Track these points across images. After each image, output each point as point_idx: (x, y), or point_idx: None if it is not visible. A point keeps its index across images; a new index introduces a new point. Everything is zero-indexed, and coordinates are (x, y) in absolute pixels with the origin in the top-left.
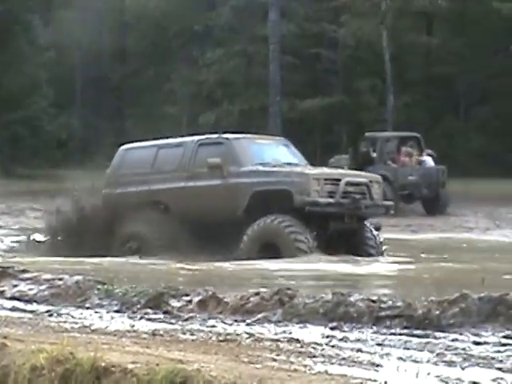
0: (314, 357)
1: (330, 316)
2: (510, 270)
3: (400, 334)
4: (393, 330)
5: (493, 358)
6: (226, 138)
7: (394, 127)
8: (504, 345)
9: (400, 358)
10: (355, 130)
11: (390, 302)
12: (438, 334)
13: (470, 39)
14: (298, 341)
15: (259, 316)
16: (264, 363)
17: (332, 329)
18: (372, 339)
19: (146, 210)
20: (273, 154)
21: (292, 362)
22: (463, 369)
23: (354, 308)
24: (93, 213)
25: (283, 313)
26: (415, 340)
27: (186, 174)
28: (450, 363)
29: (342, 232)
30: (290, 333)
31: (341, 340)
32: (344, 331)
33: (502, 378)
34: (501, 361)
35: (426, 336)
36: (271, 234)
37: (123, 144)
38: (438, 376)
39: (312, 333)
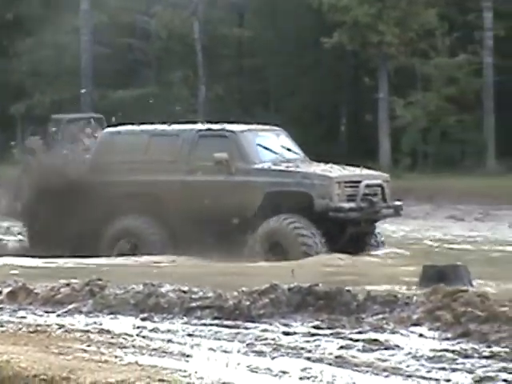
0: (125, 347)
1: (140, 307)
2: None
3: (210, 325)
4: (203, 321)
5: (302, 348)
6: (232, 131)
7: (205, 118)
8: (313, 335)
9: (210, 349)
10: (167, 120)
11: (201, 293)
12: (248, 324)
13: (281, 32)
14: (108, 331)
15: (70, 307)
16: (74, 354)
17: (143, 319)
18: (183, 330)
19: (139, 202)
20: (275, 147)
21: (103, 353)
22: (273, 359)
23: (165, 299)
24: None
25: (94, 303)
26: (226, 330)
27: (186, 166)
28: (260, 353)
29: (355, 235)
30: (101, 324)
31: (151, 331)
32: (155, 322)
33: (310, 368)
34: (310, 351)
35: (237, 326)
36: (279, 234)
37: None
38: (248, 366)
39: (123, 323)
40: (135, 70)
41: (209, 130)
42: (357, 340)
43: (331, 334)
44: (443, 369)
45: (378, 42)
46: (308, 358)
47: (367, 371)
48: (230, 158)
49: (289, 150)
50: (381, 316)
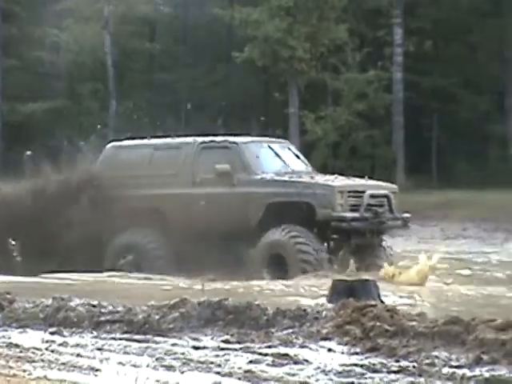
0: (34, 362)
1: (49, 321)
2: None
3: (120, 339)
4: (113, 335)
5: (211, 363)
6: (234, 143)
7: (115, 132)
8: (222, 349)
9: (120, 363)
10: (77, 134)
11: (111, 307)
12: (157, 338)
13: (192, 46)
14: (17, 345)
15: None
16: None
17: (52, 333)
18: (92, 344)
19: (143, 217)
20: (279, 159)
21: (11, 367)
22: (182, 373)
23: (74, 313)
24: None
25: (3, 317)
26: (135, 345)
27: (189, 179)
28: (170, 368)
29: (360, 246)
30: (10, 338)
31: (60, 345)
32: (64, 336)
33: (220, 382)
34: (219, 365)
35: (146, 341)
36: (280, 247)
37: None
38: (157, 380)
39: (32, 338)
40: (45, 83)
41: (211, 141)
42: (266, 354)
43: (241, 348)
44: (352, 383)
45: (288, 56)
46: (218, 373)
47: None
48: (232, 169)
49: (294, 161)
50: (290, 330)
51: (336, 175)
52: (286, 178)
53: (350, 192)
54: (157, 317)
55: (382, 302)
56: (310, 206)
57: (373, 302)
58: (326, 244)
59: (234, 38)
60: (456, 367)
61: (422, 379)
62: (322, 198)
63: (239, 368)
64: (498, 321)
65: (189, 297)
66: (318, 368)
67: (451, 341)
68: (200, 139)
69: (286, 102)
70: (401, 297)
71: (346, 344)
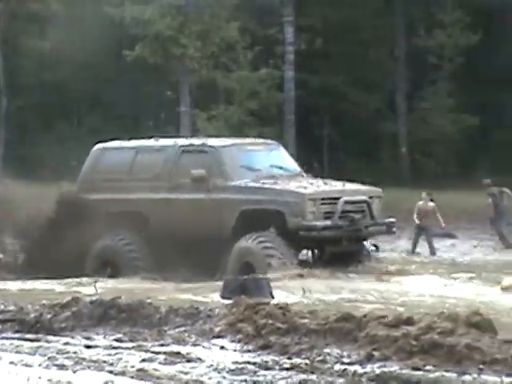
0: None
1: None
2: None
3: (12, 338)
4: (4, 334)
5: (104, 362)
6: (212, 146)
7: (6, 131)
8: (115, 348)
9: (12, 362)
10: None
11: (2, 306)
12: (50, 337)
13: (83, 45)
14: None
15: None
16: None
17: None
18: None
19: (123, 221)
20: (264, 163)
21: None
22: (75, 372)
23: None
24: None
25: None
26: (27, 344)
27: (168, 184)
28: (62, 366)
29: (338, 254)
30: None
31: None
32: None
33: (112, 381)
34: (112, 364)
35: (38, 340)
36: (249, 254)
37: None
38: (49, 380)
39: None
40: None
41: (190, 145)
42: (159, 353)
43: (133, 346)
44: (244, 381)
45: (180, 55)
46: (110, 372)
47: None
48: (208, 174)
49: (279, 164)
50: (183, 328)
51: (320, 179)
52: (259, 184)
53: (323, 199)
54: (49, 316)
55: (273, 298)
56: (281, 214)
57: (265, 300)
58: (309, 251)
59: (125, 36)
60: (348, 364)
61: (313, 376)
62: (292, 205)
63: (132, 367)
64: (389, 317)
65: (81, 296)
66: (211, 366)
67: (343, 338)
68: (181, 142)
69: (177, 101)
70: (293, 294)
71: (238, 342)
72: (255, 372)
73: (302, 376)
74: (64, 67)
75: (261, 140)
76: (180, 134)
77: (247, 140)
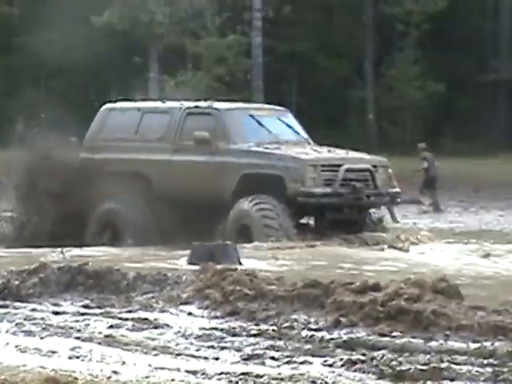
0: None
1: None
2: None
3: None
4: None
5: (71, 328)
6: (216, 109)
7: None
8: (82, 314)
9: None
10: None
11: None
12: (17, 304)
13: (51, 10)
14: None
15: None
16: None
17: None
18: None
19: (125, 182)
20: (270, 128)
21: None
22: (42, 338)
23: None
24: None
25: None
26: None
27: (172, 145)
28: (29, 333)
29: (340, 222)
30: None
31: None
32: None
33: (79, 347)
34: (79, 330)
35: (5, 306)
36: (246, 216)
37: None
38: (16, 346)
39: None
40: None
41: (196, 107)
42: (126, 319)
43: (101, 313)
44: (212, 347)
45: (148, 21)
46: (77, 338)
47: (136, 350)
48: (212, 137)
49: (284, 131)
50: (150, 295)
51: (325, 147)
52: (261, 149)
53: (324, 166)
54: (16, 282)
55: (241, 264)
56: (282, 180)
57: (233, 266)
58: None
59: (94, 2)
60: (315, 330)
61: (281, 342)
62: (292, 171)
63: (99, 333)
64: (356, 284)
65: (48, 262)
66: (179, 332)
67: (310, 304)
68: (187, 104)
69: (146, 67)
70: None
71: (206, 308)
72: (222, 338)
73: (270, 342)
74: (32, 33)
75: (269, 106)
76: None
77: (254, 105)
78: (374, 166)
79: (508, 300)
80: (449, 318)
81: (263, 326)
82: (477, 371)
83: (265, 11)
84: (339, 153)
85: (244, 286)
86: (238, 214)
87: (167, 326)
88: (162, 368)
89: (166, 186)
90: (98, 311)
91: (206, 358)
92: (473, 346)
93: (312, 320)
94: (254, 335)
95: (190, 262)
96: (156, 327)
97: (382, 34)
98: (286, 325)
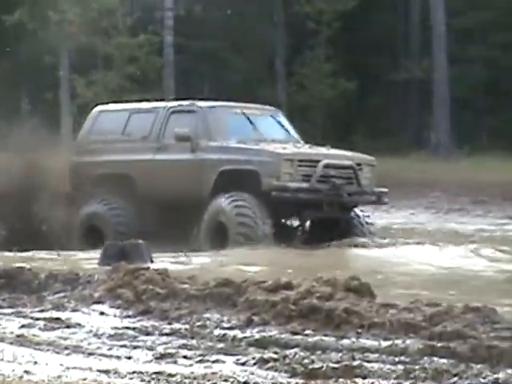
0: None
1: None
2: None
3: None
4: None
5: None
6: (199, 106)
7: None
8: None
9: None
10: None
11: None
12: None
13: None
14: None
15: None
16: None
17: None
18: None
19: (110, 184)
20: (257, 127)
21: None
22: None
23: None
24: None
25: None
26: None
27: (156, 144)
28: None
29: (321, 221)
30: None
31: None
32: None
33: None
34: None
35: None
36: (222, 214)
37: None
38: None
39: None
40: None
41: (179, 105)
42: (38, 319)
43: (12, 312)
44: (124, 346)
45: (59, 20)
46: None
47: (48, 349)
48: (193, 134)
49: (272, 129)
50: (62, 294)
51: (312, 145)
52: (238, 145)
53: (301, 161)
54: None
55: (152, 263)
56: (257, 175)
57: (145, 265)
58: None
59: (5, 1)
60: (227, 329)
61: (193, 341)
62: (267, 165)
63: (11, 333)
64: (268, 282)
65: None
66: (91, 331)
67: (223, 303)
68: (170, 103)
69: (57, 66)
70: (173, 258)
71: (118, 307)
72: (135, 337)
73: (182, 341)
74: None
75: (258, 105)
76: (60, 99)
77: (241, 104)
78: (359, 164)
79: (418, 298)
80: (360, 316)
81: (176, 325)
82: (388, 369)
83: (176, 10)
84: (320, 149)
85: (156, 285)
86: (214, 212)
87: (79, 325)
88: (75, 367)
89: (149, 186)
90: (9, 311)
91: (118, 357)
92: (384, 343)
93: (224, 319)
94: (167, 334)
95: (102, 262)
96: (68, 326)
97: (294, 33)
98: (198, 324)
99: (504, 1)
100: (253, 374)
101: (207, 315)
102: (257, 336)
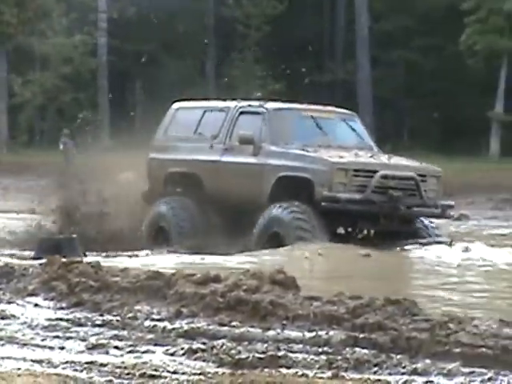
0: None
1: None
2: None
3: None
4: None
5: None
6: (265, 108)
7: None
8: None
9: None
10: None
11: None
12: None
13: None
14: None
15: None
16: None
17: None
18: None
19: (180, 183)
20: (324, 132)
21: None
22: None
23: None
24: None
25: None
26: None
27: (223, 145)
28: None
29: (378, 232)
30: None
31: None
32: None
33: None
34: None
35: None
36: (277, 222)
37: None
38: None
39: None
40: None
41: (249, 106)
42: None
43: None
44: (58, 337)
45: None
46: None
47: None
48: (257, 137)
49: (344, 135)
50: None
51: (390, 155)
52: (298, 151)
53: (357, 171)
54: None
55: (85, 257)
56: (311, 183)
57: (78, 259)
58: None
59: None
60: (157, 320)
61: (124, 332)
62: (321, 174)
63: None
64: (197, 275)
65: None
66: (25, 323)
67: (153, 295)
68: (241, 103)
69: None
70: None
71: (52, 299)
72: (68, 328)
73: (114, 332)
74: None
75: (331, 108)
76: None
77: (313, 107)
78: (422, 175)
79: (341, 291)
80: (286, 308)
81: (107, 317)
82: (312, 359)
83: (110, 13)
84: (382, 159)
85: (89, 277)
86: (269, 222)
87: (14, 316)
88: (9, 357)
89: (214, 188)
90: None
91: (51, 348)
92: (308, 334)
93: (155, 310)
94: (99, 325)
95: (36, 255)
96: (3, 318)
97: (224, 36)
98: (129, 315)
99: (424, 7)
100: (181, 364)
101: (138, 307)
102: (186, 327)
